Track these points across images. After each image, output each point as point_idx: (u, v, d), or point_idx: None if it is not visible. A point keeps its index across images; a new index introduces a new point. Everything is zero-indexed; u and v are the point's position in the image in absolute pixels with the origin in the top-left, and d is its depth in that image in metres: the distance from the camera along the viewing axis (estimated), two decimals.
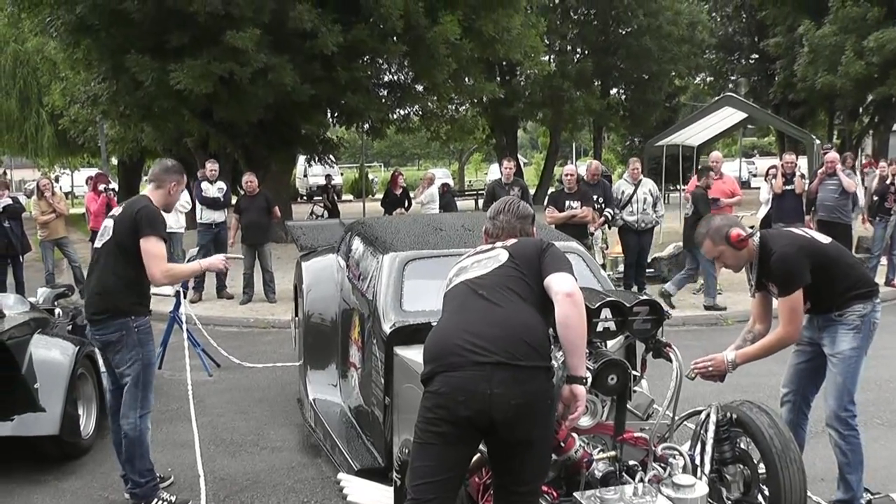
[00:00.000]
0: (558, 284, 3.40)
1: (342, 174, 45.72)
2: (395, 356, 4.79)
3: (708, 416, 4.24)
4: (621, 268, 12.20)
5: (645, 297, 4.11)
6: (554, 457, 3.78)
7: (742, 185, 28.30)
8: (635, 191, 11.69)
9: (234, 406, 7.46)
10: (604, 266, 11.71)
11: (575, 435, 3.80)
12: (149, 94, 16.72)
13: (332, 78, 17.28)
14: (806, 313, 4.63)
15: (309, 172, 40.35)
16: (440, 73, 18.21)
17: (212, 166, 12.62)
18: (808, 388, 4.85)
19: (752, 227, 4.66)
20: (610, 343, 4.38)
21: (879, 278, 12.03)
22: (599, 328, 3.90)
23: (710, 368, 4.58)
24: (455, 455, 3.33)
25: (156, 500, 5.25)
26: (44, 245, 13.27)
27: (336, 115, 20.67)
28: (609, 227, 11.71)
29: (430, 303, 4.53)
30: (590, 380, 3.65)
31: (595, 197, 11.31)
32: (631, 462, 3.91)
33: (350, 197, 41.77)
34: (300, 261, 7.30)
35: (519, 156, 41.17)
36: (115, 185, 14.63)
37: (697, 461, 4.08)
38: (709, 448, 4.11)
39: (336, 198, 30.28)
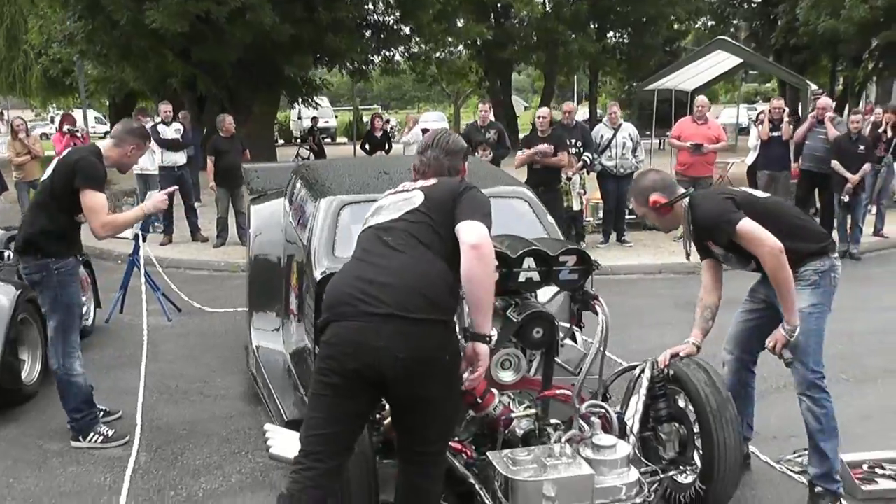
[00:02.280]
0: (465, 234, 3.13)
1: (336, 116, 45.27)
2: None
3: (642, 371, 4.02)
4: (601, 214, 11.94)
5: (572, 247, 3.85)
6: (471, 413, 3.60)
7: (741, 131, 27.93)
8: (614, 135, 11.38)
9: (186, 352, 7.32)
10: (582, 212, 11.45)
11: (495, 391, 3.60)
12: (125, 34, 16.38)
13: (314, 19, 16.91)
14: (760, 272, 4.21)
15: (303, 115, 39.96)
16: (425, 14, 17.84)
17: (165, 108, 12.93)
18: (755, 346, 4.42)
19: (690, 189, 4.17)
20: (547, 294, 4.17)
21: (868, 227, 11.77)
22: (522, 279, 3.67)
23: (778, 347, 4.07)
24: (346, 408, 3.11)
25: (92, 433, 5.30)
26: (19, 186, 13.23)
27: (318, 56, 20.30)
28: (588, 173, 11.40)
29: None
30: (494, 337, 3.38)
31: (573, 141, 11.00)
32: (553, 420, 3.71)
33: (345, 140, 41.39)
34: (250, 204, 7.10)
35: (518, 99, 40.64)
36: (89, 126, 14.39)
37: (628, 419, 3.88)
38: (640, 406, 3.89)
39: (328, 140, 29.79)
